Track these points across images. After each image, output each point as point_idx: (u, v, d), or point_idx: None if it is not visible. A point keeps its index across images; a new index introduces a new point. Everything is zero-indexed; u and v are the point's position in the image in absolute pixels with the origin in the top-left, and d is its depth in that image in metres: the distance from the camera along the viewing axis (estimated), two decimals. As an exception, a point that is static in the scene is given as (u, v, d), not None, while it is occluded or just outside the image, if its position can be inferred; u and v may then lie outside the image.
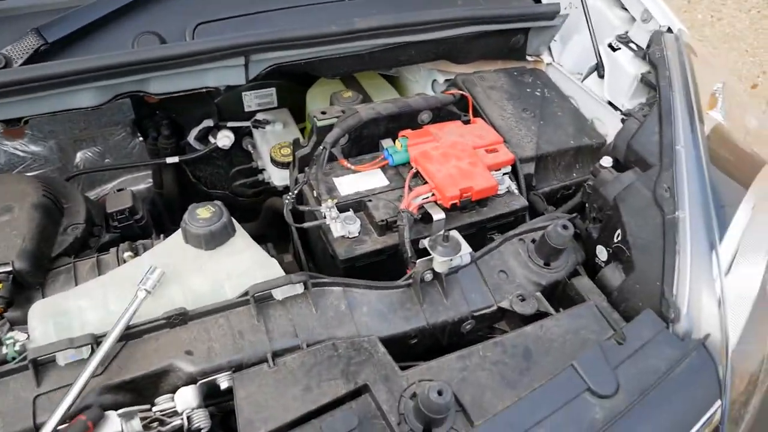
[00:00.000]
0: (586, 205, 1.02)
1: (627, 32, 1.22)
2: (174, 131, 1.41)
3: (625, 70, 1.17)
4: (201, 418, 0.72)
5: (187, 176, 1.51)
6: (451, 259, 0.84)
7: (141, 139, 1.49)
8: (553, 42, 1.40)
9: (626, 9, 1.24)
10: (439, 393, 0.67)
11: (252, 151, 1.46)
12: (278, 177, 1.32)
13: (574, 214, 1.05)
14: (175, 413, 0.72)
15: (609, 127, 1.22)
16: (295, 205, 1.03)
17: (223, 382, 0.76)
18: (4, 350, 0.75)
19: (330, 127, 1.07)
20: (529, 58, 1.38)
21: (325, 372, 0.76)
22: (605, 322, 0.83)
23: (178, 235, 0.89)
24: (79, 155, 1.44)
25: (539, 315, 0.89)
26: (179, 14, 1.03)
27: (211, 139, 1.40)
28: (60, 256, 0.99)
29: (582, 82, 1.31)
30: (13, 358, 0.74)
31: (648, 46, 1.09)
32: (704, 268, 0.80)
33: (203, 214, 0.85)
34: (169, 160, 1.37)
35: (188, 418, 0.72)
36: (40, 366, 0.73)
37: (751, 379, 0.82)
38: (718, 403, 0.75)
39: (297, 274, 0.82)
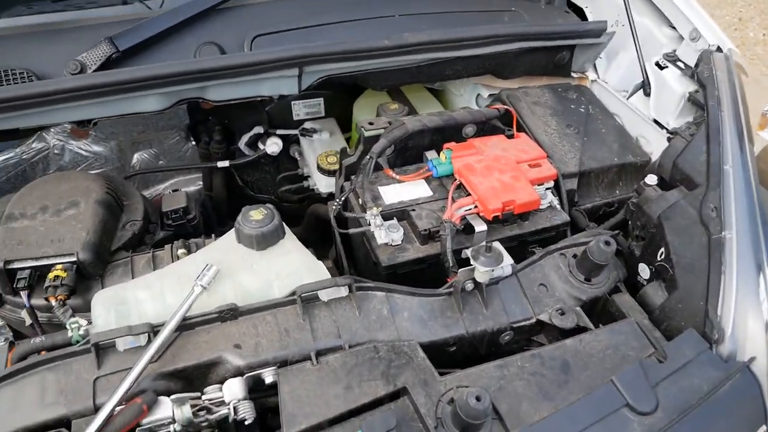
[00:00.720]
0: (629, 222, 1.02)
1: (675, 51, 1.22)
2: (225, 137, 1.48)
3: (672, 89, 1.17)
4: (247, 409, 0.76)
5: (236, 180, 1.57)
6: (492, 270, 0.85)
7: (194, 143, 1.56)
8: (599, 59, 1.41)
9: (674, 27, 1.24)
10: (478, 399, 0.68)
11: (298, 159, 1.51)
12: (324, 184, 1.36)
13: (617, 231, 1.05)
14: (223, 403, 0.76)
15: (654, 145, 1.22)
16: (341, 211, 1.06)
17: (269, 376, 0.79)
18: (69, 334, 0.80)
19: (377, 138, 1.10)
20: (573, 74, 1.39)
21: (366, 373, 0.79)
22: (646, 340, 0.83)
23: (231, 234, 0.93)
24: (136, 156, 1.52)
25: (578, 330, 0.89)
26: (238, 26, 1.08)
27: (261, 146, 1.45)
28: (119, 250, 1.05)
29: (627, 99, 1.31)
30: (77, 342, 0.79)
31: (696, 65, 1.08)
32: (751, 290, 0.79)
33: (256, 216, 0.90)
34: (221, 164, 1.43)
35: (234, 408, 0.75)
36: (101, 350, 0.78)
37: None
38: (764, 428, 0.75)
39: (343, 278, 0.86)
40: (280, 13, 1.12)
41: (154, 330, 0.78)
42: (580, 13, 1.46)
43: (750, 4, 2.72)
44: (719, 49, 1.09)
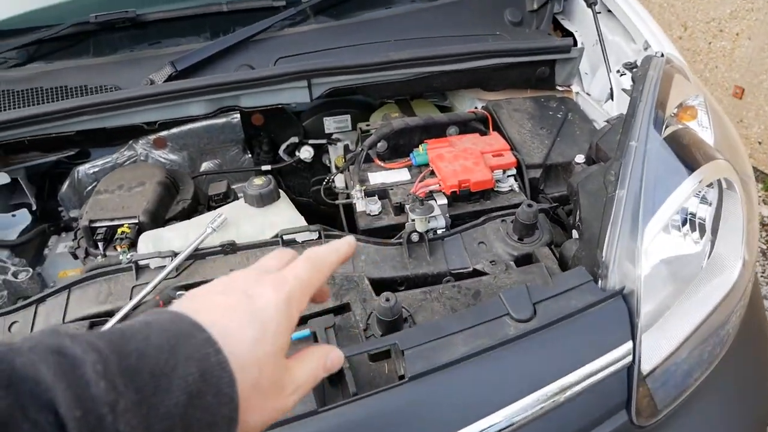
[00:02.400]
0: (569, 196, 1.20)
1: (635, 61, 1.39)
2: (271, 148, 1.82)
3: (623, 88, 1.34)
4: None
5: (281, 184, 1.90)
6: (427, 219, 1.08)
7: (250, 155, 1.92)
8: (585, 74, 1.60)
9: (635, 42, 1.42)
10: (387, 300, 0.91)
11: (329, 165, 1.82)
12: (340, 179, 1.65)
13: (556, 204, 1.23)
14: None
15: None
16: (333, 188, 1.34)
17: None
18: (120, 257, 1.13)
19: (371, 135, 1.38)
20: (559, 87, 1.59)
21: (321, 293, 1.04)
22: (549, 279, 1.01)
23: (242, 198, 1.24)
24: (204, 165, 1.90)
25: (507, 277, 1.08)
26: (267, 52, 1.43)
27: (297, 153, 1.78)
28: (170, 219, 1.40)
29: (602, 106, 1.49)
30: (125, 261, 1.12)
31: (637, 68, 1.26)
32: (632, 238, 0.95)
33: (258, 181, 1.21)
34: (264, 167, 1.77)
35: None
36: (139, 267, 1.10)
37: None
38: (630, 344, 0.89)
39: (314, 226, 1.13)
40: (300, 41, 1.45)
41: (175, 254, 1.09)
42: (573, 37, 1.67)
43: None
44: (662, 55, 1.26)
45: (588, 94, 1.57)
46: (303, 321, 0.99)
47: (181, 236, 1.16)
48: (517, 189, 1.30)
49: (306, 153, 1.76)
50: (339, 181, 1.68)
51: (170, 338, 0.39)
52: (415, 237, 1.11)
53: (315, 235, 1.13)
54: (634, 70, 1.22)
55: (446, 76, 1.45)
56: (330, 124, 1.82)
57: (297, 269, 0.50)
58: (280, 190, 1.26)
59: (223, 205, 1.51)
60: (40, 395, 0.32)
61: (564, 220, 1.22)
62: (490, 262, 1.10)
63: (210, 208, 1.52)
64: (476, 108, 1.67)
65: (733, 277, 1.07)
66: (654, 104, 1.10)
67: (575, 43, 1.52)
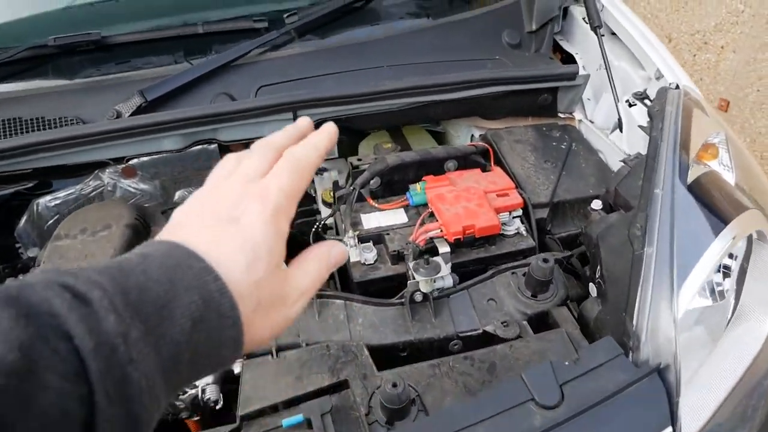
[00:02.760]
0: (584, 245, 1.10)
1: (645, 90, 1.30)
2: (251, 176, 1.69)
3: (640, 124, 1.25)
4: (213, 391, 0.90)
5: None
6: (433, 280, 0.96)
7: (227, 182, 1.78)
8: (587, 100, 1.50)
9: (645, 69, 1.32)
10: (394, 385, 0.79)
11: (314, 195, 1.69)
12: (327, 215, 1.52)
13: (569, 253, 1.12)
14: (194, 386, 0.91)
15: (629, 177, 1.29)
16: (320, 233, 1.21)
17: (236, 367, 0.94)
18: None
19: (363, 172, 1.26)
20: (561, 115, 1.49)
21: (316, 366, 0.92)
22: (572, 347, 0.91)
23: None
24: (177, 193, 1.75)
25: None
26: (247, 79, 1.29)
27: (279, 183, 1.65)
28: (141, 266, 1.25)
29: (608, 137, 1.39)
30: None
31: (652, 101, 1.17)
32: (665, 302, 0.85)
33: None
34: (243, 198, 1.64)
35: (202, 390, 0.90)
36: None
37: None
38: (669, 430, 0.79)
39: (305, 285, 1.00)
40: (284, 66, 1.32)
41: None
42: (573, 59, 1.57)
43: None
44: (677, 87, 1.17)
45: (591, 122, 1.48)
46: (295, 402, 0.87)
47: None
48: (524, 232, 1.20)
49: (289, 183, 1.63)
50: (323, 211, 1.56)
51: (168, 270, 0.40)
52: (418, 297, 1.00)
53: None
54: (650, 104, 1.12)
55: (443, 106, 1.33)
56: (315, 150, 1.69)
57: (280, 178, 0.49)
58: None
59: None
60: (57, 326, 0.34)
61: (578, 270, 1.12)
62: (502, 323, 0.99)
63: (185, 250, 1.38)
64: (473, 135, 1.57)
65: (767, 323, 0.98)
66: (677, 145, 1.01)
67: (579, 69, 1.42)
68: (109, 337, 0.35)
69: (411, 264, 0.98)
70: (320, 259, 0.52)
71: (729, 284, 0.98)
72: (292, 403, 0.87)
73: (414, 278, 0.98)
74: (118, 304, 0.36)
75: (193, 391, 0.91)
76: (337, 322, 0.99)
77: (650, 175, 0.98)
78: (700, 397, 0.88)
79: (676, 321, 0.83)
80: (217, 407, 0.92)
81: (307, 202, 1.74)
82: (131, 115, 1.21)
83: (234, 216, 0.46)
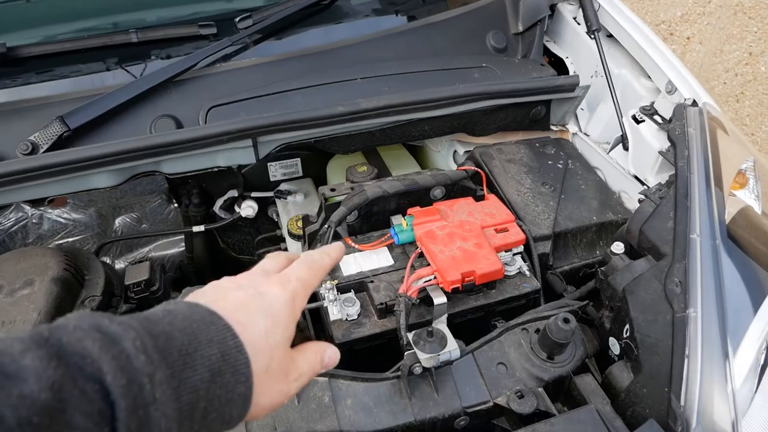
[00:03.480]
0: (600, 292, 0.96)
1: (653, 103, 1.16)
2: (203, 200, 1.47)
3: (649, 145, 1.11)
4: None
5: (218, 242, 1.56)
6: (438, 355, 0.80)
7: (176, 205, 1.56)
8: (580, 111, 1.36)
9: (651, 79, 1.18)
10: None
11: (277, 220, 1.49)
12: (295, 249, 1.33)
13: (586, 302, 0.98)
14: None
15: (636, 201, 1.15)
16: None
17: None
18: None
19: (338, 205, 1.07)
20: (553, 128, 1.34)
21: (298, 470, 0.74)
22: (606, 430, 0.76)
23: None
24: (117, 221, 1.53)
25: (539, 414, 0.82)
26: (194, 97, 1.08)
27: (237, 209, 1.44)
28: (75, 327, 1.04)
29: (608, 153, 1.25)
30: None
31: (669, 121, 1.03)
32: (718, 376, 0.71)
33: (194, 297, 0.87)
34: (196, 228, 1.42)
35: None
36: None
37: None
38: None
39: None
40: (237, 81, 1.11)
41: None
42: (562, 63, 1.42)
43: (760, 38, 2.64)
44: (695, 104, 1.03)
45: (586, 134, 1.34)
46: None
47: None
48: (526, 271, 1.04)
49: (248, 210, 1.42)
50: (293, 250, 1.36)
51: (192, 323, 0.43)
52: (417, 370, 0.83)
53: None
54: (671, 126, 0.98)
55: (428, 123, 1.16)
56: (276, 170, 1.48)
57: (298, 270, 0.56)
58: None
59: (146, 296, 1.16)
60: (86, 367, 0.35)
61: (594, 319, 0.97)
62: (516, 393, 0.84)
63: (128, 301, 1.16)
64: (455, 152, 1.40)
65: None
66: (711, 180, 0.87)
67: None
68: (138, 376, 0.36)
69: (410, 335, 0.81)
70: (316, 355, 0.56)
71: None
72: None
73: (410, 348, 0.81)
74: (147, 346, 0.38)
75: None
76: (321, 406, 0.81)
77: (682, 215, 0.84)
78: None
79: (734, 399, 0.69)
80: None
81: (269, 226, 1.54)
82: (50, 148, 0.98)
83: (258, 291, 0.51)
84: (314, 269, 0.58)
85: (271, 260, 0.59)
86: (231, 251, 1.58)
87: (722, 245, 0.80)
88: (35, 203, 1.05)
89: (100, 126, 1.03)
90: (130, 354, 0.37)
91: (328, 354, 0.58)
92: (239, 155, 1.05)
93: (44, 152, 0.98)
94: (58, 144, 0.99)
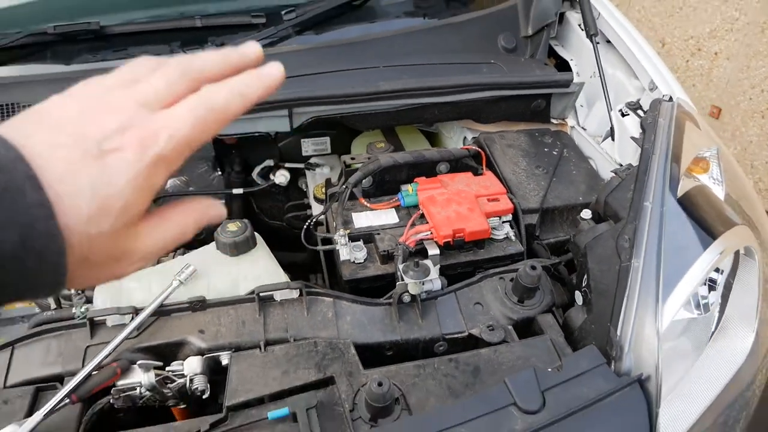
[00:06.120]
0: (572, 253, 1.12)
1: (638, 100, 1.32)
2: (244, 168, 1.68)
3: (631, 134, 1.27)
4: (201, 382, 0.91)
5: (252, 207, 1.77)
6: (422, 282, 0.98)
7: (220, 173, 1.78)
8: (580, 107, 1.52)
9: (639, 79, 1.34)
10: (379, 384, 0.80)
11: (305, 190, 1.69)
12: (318, 211, 1.53)
13: (558, 260, 1.14)
14: (182, 375, 0.92)
15: (617, 186, 1.30)
16: (312, 231, 1.22)
17: (224, 359, 0.95)
18: (73, 310, 0.99)
19: (356, 171, 1.26)
20: (554, 121, 1.51)
21: (303, 362, 0.93)
22: (556, 354, 0.92)
23: (213, 243, 1.11)
24: (169, 182, 1.75)
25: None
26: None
27: (271, 177, 1.65)
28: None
29: (600, 144, 1.41)
30: (78, 317, 0.98)
31: (645, 113, 1.18)
32: (649, 314, 0.87)
33: (232, 227, 1.07)
34: (236, 191, 1.63)
35: (191, 379, 0.91)
36: (95, 324, 0.96)
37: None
38: (648, 438, 0.81)
39: (295, 282, 1.01)
40: (280, 63, 1.32)
41: (136, 311, 0.96)
42: (567, 65, 1.58)
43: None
44: (670, 99, 1.19)
45: (584, 128, 1.49)
46: (281, 396, 0.88)
47: (143, 288, 1.02)
48: (512, 237, 1.21)
49: (281, 178, 1.63)
50: (317, 212, 1.56)
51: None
52: (406, 298, 1.01)
53: (296, 293, 1.01)
54: (643, 115, 1.14)
55: (438, 108, 1.34)
56: (308, 146, 1.69)
57: (178, 122, 0.40)
58: (259, 236, 1.13)
59: (193, 245, 1.38)
60: None
61: (564, 277, 1.13)
62: (488, 327, 1.01)
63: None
64: (465, 138, 1.58)
65: (750, 338, 1.00)
66: (668, 158, 1.02)
67: (574, 77, 1.43)
68: None
69: (401, 266, 0.99)
70: (187, 219, 0.44)
71: (714, 298, 1.00)
72: (278, 397, 0.88)
73: (403, 280, 0.99)
74: None
75: (182, 380, 0.91)
76: (326, 320, 1.00)
77: (640, 187, 1.00)
78: (682, 407, 0.90)
79: (660, 333, 0.85)
80: (204, 397, 0.93)
81: (298, 196, 1.75)
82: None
83: (103, 149, 0.37)
84: (207, 119, 0.41)
85: (163, 81, 0.42)
86: (264, 216, 1.79)
87: (670, 211, 0.96)
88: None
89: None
90: None
91: (211, 214, 0.46)
92: (276, 123, 1.26)
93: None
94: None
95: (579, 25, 1.52)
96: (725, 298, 1.03)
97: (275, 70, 0.45)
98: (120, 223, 0.38)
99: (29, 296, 0.38)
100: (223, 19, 1.34)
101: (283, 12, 1.36)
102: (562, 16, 1.57)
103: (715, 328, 1.02)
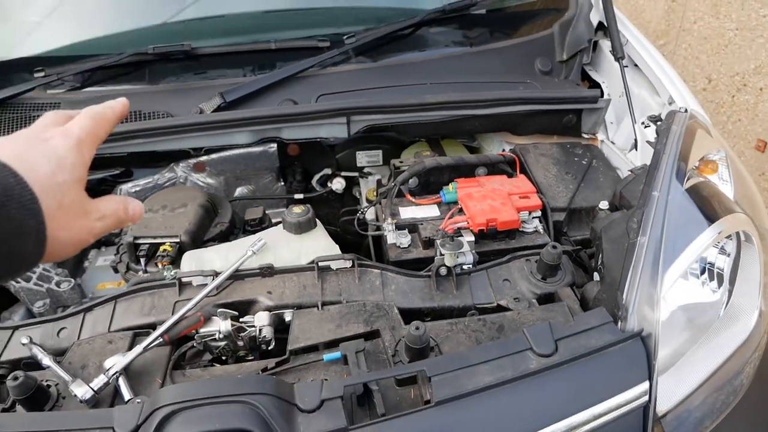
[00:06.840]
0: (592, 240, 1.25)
1: (660, 114, 1.46)
2: (304, 177, 1.90)
3: (648, 140, 1.40)
4: (268, 332, 1.09)
5: (311, 213, 1.98)
6: (456, 255, 1.14)
7: (283, 183, 2.01)
8: (610, 124, 1.66)
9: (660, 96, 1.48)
10: (417, 328, 0.96)
11: (359, 197, 1.89)
12: (371, 212, 1.72)
13: (579, 248, 1.28)
14: (252, 326, 1.10)
15: (641, 191, 1.43)
16: (365, 219, 1.41)
17: (287, 315, 1.13)
18: (164, 274, 1.20)
19: (403, 171, 1.45)
20: (585, 135, 1.66)
21: (353, 318, 1.10)
22: (571, 318, 1.06)
23: (281, 224, 1.32)
24: (238, 190, 1.99)
25: (530, 315, 1.13)
26: (310, 88, 1.52)
27: (329, 184, 1.86)
28: (208, 240, 1.47)
29: (626, 155, 1.55)
30: (169, 278, 1.19)
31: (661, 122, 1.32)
32: (651, 283, 1.00)
33: (296, 210, 1.28)
34: (297, 196, 1.85)
35: (260, 330, 1.09)
36: (182, 284, 1.17)
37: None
38: (646, 384, 0.93)
39: (348, 255, 1.19)
40: (341, 80, 1.54)
41: (216, 274, 1.16)
42: (599, 87, 1.74)
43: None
44: (685, 110, 1.33)
45: (613, 143, 1.64)
46: (334, 344, 1.05)
47: (221, 257, 1.23)
48: (541, 230, 1.36)
49: (338, 184, 1.84)
50: (370, 213, 1.75)
51: None
52: (443, 271, 1.17)
53: (349, 264, 1.19)
54: (659, 123, 1.28)
55: (477, 120, 1.52)
56: (362, 158, 1.90)
57: (80, 121, 0.58)
58: (317, 219, 1.33)
59: (258, 229, 1.59)
60: None
61: (586, 263, 1.27)
62: (514, 298, 1.15)
63: (245, 233, 1.59)
64: (504, 150, 1.75)
65: (749, 327, 1.10)
66: (676, 157, 1.16)
67: (602, 94, 1.59)
68: None
69: (438, 240, 1.16)
70: (119, 203, 0.61)
71: (720, 282, 1.11)
72: (331, 344, 1.05)
73: (441, 254, 1.16)
74: None
75: (252, 330, 1.10)
76: (374, 287, 1.17)
77: (650, 180, 1.13)
78: (677, 380, 1.01)
79: (659, 299, 0.98)
80: (270, 348, 1.11)
81: (352, 203, 1.95)
82: (212, 112, 1.45)
83: (43, 139, 0.54)
84: (97, 120, 0.59)
85: (50, 116, 0.59)
86: (321, 222, 1.99)
87: (675, 199, 1.09)
88: (195, 151, 1.51)
89: (245, 102, 1.49)
90: None
91: (132, 206, 0.62)
92: (336, 130, 1.47)
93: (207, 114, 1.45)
94: (217, 110, 1.46)
95: (610, 51, 1.68)
96: (733, 283, 1.13)
97: (124, 100, 0.66)
98: (74, 177, 0.53)
99: (21, 253, 0.48)
100: (293, 43, 1.58)
101: (344, 37, 1.60)
102: (596, 45, 1.74)
103: (722, 313, 1.12)
